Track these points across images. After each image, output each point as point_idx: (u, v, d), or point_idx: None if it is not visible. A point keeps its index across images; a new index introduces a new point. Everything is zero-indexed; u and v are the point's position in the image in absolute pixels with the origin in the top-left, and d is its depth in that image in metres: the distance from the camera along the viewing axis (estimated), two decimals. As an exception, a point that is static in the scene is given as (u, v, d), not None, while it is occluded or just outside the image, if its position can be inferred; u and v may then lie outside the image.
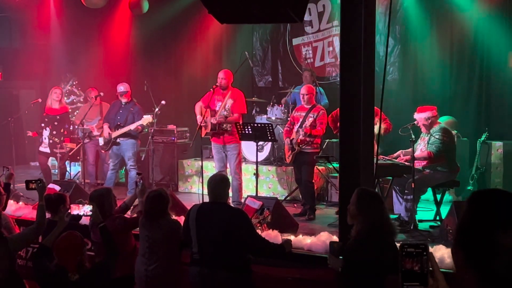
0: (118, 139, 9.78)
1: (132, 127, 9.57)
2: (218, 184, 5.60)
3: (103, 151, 10.36)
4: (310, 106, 8.82)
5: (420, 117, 7.98)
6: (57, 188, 8.56)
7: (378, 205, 4.80)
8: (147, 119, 9.54)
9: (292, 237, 6.81)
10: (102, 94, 10.83)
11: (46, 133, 10.54)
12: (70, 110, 11.40)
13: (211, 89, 8.99)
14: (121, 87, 9.90)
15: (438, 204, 8.07)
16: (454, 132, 8.52)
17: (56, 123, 10.55)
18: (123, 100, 9.89)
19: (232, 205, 7.75)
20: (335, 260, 4.91)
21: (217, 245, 5.31)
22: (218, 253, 5.30)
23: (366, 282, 4.66)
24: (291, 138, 8.79)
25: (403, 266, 1.91)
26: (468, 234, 1.72)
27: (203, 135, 9.12)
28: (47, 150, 10.56)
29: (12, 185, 7.67)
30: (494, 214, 1.68)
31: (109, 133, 9.79)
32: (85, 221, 6.53)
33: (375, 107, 5.98)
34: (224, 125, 8.98)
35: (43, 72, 13.39)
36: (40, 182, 5.92)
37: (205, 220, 5.42)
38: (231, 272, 5.31)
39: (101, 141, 9.99)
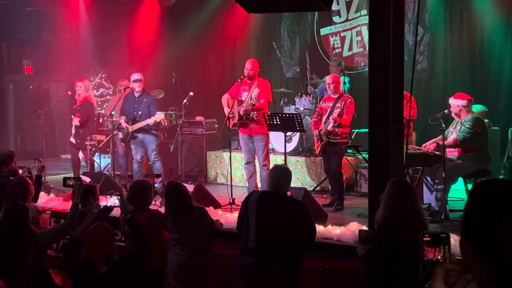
0: (138, 133, 9.80)
1: (150, 121, 9.55)
2: (283, 175, 5.61)
3: (122, 144, 10.36)
4: (337, 96, 8.74)
5: (454, 103, 7.83)
6: (87, 179, 8.62)
7: (408, 199, 4.74)
8: (159, 116, 9.50)
9: (321, 227, 6.80)
10: (131, 86, 10.86)
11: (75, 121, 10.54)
12: (94, 103, 11.33)
13: (239, 80, 8.97)
14: (135, 75, 9.90)
15: (469, 194, 7.95)
16: (485, 121, 8.38)
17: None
18: (137, 89, 9.84)
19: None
20: (362, 248, 4.89)
21: (278, 236, 5.27)
22: (277, 245, 5.27)
23: (393, 272, 4.63)
24: (319, 129, 8.73)
25: (424, 257, 1.83)
26: (474, 224, 1.72)
27: (230, 126, 9.12)
28: (74, 141, 10.58)
29: (43, 177, 7.75)
30: (497, 200, 1.68)
31: (126, 127, 9.81)
32: (115, 212, 6.56)
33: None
34: (251, 113, 8.93)
35: (73, 65, 13.47)
36: (79, 180, 5.97)
37: (266, 209, 5.39)
38: (288, 264, 5.28)
39: (120, 135, 10.02)
